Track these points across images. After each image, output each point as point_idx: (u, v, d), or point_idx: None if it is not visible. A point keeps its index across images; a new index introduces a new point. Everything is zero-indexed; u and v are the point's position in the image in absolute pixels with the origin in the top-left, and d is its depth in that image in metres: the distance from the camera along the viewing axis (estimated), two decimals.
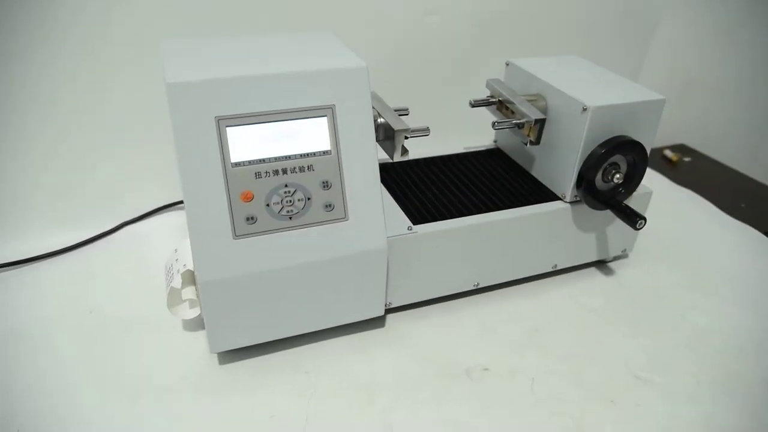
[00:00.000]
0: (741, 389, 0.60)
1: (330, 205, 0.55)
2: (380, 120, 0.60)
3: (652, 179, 0.94)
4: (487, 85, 0.75)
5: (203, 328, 0.61)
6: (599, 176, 0.67)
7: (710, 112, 1.24)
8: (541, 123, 0.68)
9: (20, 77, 0.71)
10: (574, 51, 0.84)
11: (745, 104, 1.25)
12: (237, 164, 0.51)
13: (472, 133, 0.82)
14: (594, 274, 0.76)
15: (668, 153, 1.13)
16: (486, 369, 0.61)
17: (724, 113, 1.25)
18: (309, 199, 0.54)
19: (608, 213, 0.70)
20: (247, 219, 0.52)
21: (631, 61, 1.10)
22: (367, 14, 0.86)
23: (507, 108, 0.72)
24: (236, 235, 0.52)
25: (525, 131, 0.70)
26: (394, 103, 0.64)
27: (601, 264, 0.78)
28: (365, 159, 0.55)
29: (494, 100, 0.74)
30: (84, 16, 0.71)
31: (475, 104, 0.74)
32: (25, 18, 0.68)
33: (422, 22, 0.90)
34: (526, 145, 0.71)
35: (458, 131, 0.84)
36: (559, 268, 0.74)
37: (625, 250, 0.77)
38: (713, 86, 1.20)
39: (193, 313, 0.61)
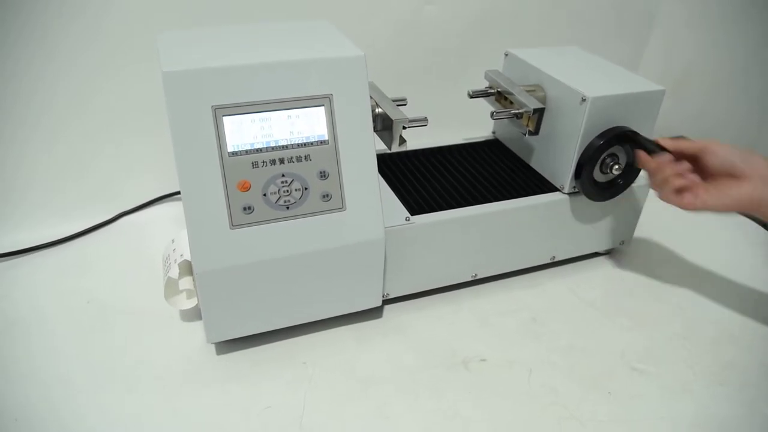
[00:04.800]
0: (736, 380, 0.60)
1: (327, 195, 0.55)
2: (378, 110, 0.60)
3: None
4: (486, 76, 0.75)
5: (200, 318, 0.61)
6: (598, 167, 0.67)
7: (709, 103, 1.23)
8: (539, 112, 0.68)
9: (19, 70, 0.71)
10: (574, 42, 0.83)
11: (744, 96, 1.25)
12: (234, 154, 0.51)
13: (471, 123, 0.82)
14: (592, 266, 0.76)
15: None
16: (483, 360, 0.61)
17: (723, 105, 1.25)
18: (306, 189, 0.54)
19: (607, 204, 0.70)
20: (244, 209, 0.52)
21: (630, 52, 1.09)
22: (365, 3, 0.85)
23: (505, 99, 0.72)
24: (233, 225, 0.52)
25: (524, 121, 0.69)
26: (392, 93, 0.64)
27: (599, 256, 0.78)
28: (363, 149, 0.55)
29: (493, 90, 0.74)
30: (83, 11, 0.70)
31: (473, 95, 0.74)
32: (26, 11, 0.68)
33: (421, 12, 0.89)
34: (525, 135, 0.71)
35: (456, 122, 0.84)
36: (557, 259, 0.74)
37: (623, 241, 0.77)
38: (713, 78, 1.20)
39: (190, 303, 0.61)
